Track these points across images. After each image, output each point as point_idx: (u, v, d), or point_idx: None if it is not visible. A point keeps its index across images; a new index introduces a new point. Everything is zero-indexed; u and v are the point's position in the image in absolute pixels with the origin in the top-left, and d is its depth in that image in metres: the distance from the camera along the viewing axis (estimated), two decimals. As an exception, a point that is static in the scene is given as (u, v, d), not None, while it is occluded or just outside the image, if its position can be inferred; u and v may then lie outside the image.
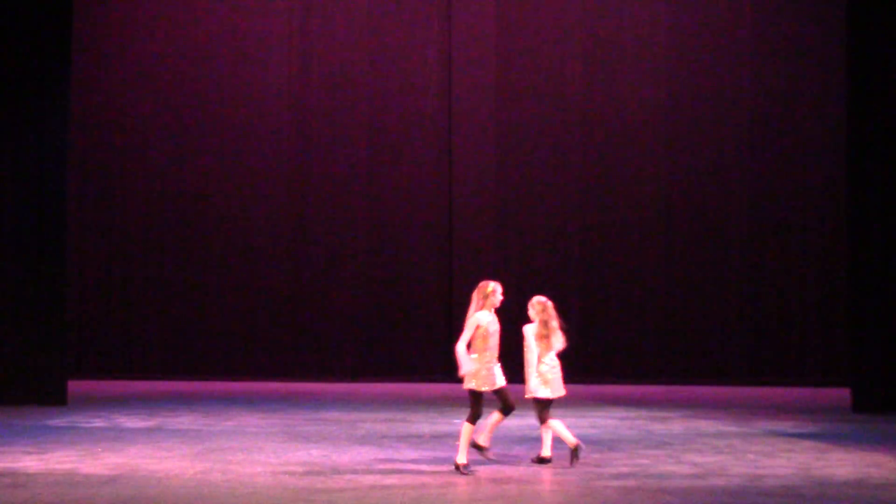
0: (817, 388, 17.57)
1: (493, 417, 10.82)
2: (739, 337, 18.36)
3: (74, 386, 16.19)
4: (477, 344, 10.51)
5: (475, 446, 10.80)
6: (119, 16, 19.45)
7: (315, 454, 11.62)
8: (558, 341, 10.91)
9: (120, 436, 12.91)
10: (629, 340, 18.47)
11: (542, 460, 10.95)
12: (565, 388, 11.12)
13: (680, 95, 18.66)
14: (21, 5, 15.63)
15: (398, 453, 11.70)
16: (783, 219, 18.37)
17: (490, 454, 10.93)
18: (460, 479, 10.28)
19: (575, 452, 10.77)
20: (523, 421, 12.39)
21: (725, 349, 18.38)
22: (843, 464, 11.07)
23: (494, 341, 10.56)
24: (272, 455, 11.55)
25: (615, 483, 10.14)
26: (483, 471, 10.58)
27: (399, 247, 19.04)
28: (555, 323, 10.90)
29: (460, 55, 18.94)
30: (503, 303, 10.71)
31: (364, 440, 12.58)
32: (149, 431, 13.28)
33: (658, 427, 13.66)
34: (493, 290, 10.60)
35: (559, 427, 10.87)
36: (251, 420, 14.24)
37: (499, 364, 10.62)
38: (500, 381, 10.63)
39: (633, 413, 14.96)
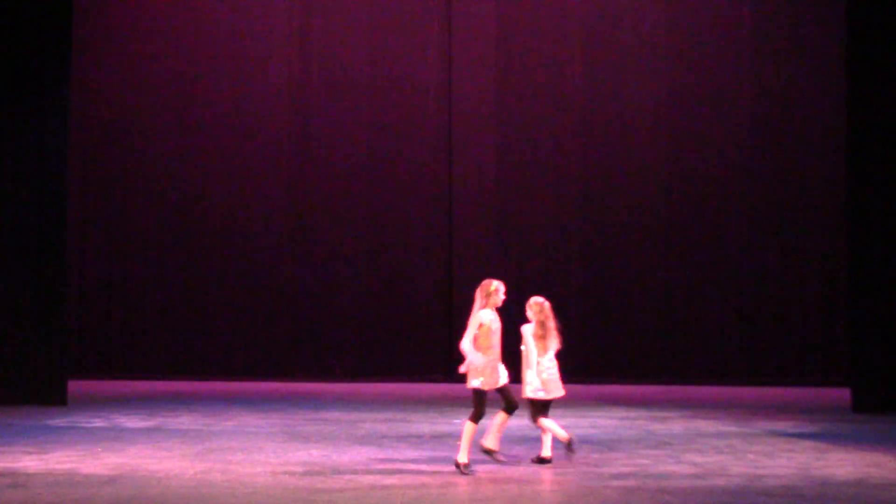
0: (817, 388, 17.56)
1: (497, 419, 10.80)
2: (739, 337, 18.37)
3: (74, 386, 16.19)
4: (480, 342, 10.52)
5: (485, 451, 10.78)
6: (119, 16, 19.47)
7: (315, 454, 11.62)
8: (554, 342, 10.95)
9: (120, 436, 12.91)
10: (629, 340, 18.47)
11: (542, 460, 10.96)
12: (564, 388, 11.14)
13: (680, 95, 18.66)
14: (21, 5, 15.63)
15: (398, 453, 11.70)
16: (783, 219, 18.37)
17: (500, 456, 10.90)
18: (460, 479, 10.28)
19: (569, 446, 10.78)
20: (523, 421, 12.34)
21: (725, 349, 18.38)
22: (843, 464, 11.07)
23: (497, 339, 10.56)
24: (272, 455, 11.55)
25: (615, 483, 10.14)
26: (483, 471, 10.57)
27: (399, 247, 19.05)
28: (552, 324, 10.94)
29: (460, 55, 18.94)
30: (504, 302, 10.71)
31: (364, 440, 12.58)
32: (149, 431, 13.28)
33: (658, 427, 13.65)
34: (496, 290, 10.61)
35: (550, 425, 10.91)
36: (251, 420, 14.24)
37: (501, 363, 10.65)
38: (504, 378, 10.64)
39: (633, 413, 14.96)
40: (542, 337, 10.90)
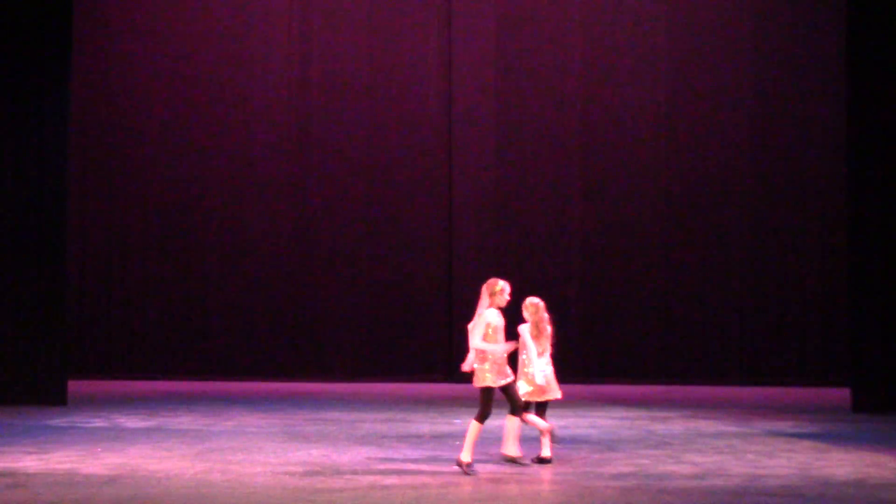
0: (817, 388, 17.56)
1: (509, 424, 10.77)
2: (739, 337, 18.36)
3: (74, 386, 16.18)
4: (487, 341, 10.52)
5: (509, 460, 10.78)
6: (119, 16, 19.46)
7: (315, 454, 11.62)
8: (548, 344, 11.00)
9: (120, 436, 12.91)
10: (629, 340, 18.46)
11: (542, 460, 10.96)
12: (560, 389, 11.18)
13: (680, 95, 18.65)
14: (21, 5, 15.62)
15: (398, 453, 11.70)
16: (783, 219, 18.36)
17: (525, 460, 10.89)
18: (460, 479, 10.27)
19: (552, 435, 10.90)
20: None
21: (725, 349, 18.38)
22: (843, 464, 11.07)
23: (501, 338, 10.57)
24: (272, 455, 11.55)
25: (615, 483, 10.14)
26: (484, 471, 10.57)
27: (399, 247, 19.04)
28: (547, 325, 11.00)
29: (460, 55, 18.94)
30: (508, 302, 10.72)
31: (364, 440, 12.58)
32: (149, 431, 13.28)
33: (658, 427, 13.65)
34: (501, 290, 10.57)
35: (532, 418, 10.95)
36: (251, 420, 14.24)
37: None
38: (511, 376, 10.64)
39: (633, 413, 14.96)
40: (535, 337, 10.98)
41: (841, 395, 15.73)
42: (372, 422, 14.08)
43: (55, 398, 15.37)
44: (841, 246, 17.05)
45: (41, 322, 15.51)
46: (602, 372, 18.27)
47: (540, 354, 10.97)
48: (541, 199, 18.78)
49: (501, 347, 10.46)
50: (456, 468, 10.54)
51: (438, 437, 12.72)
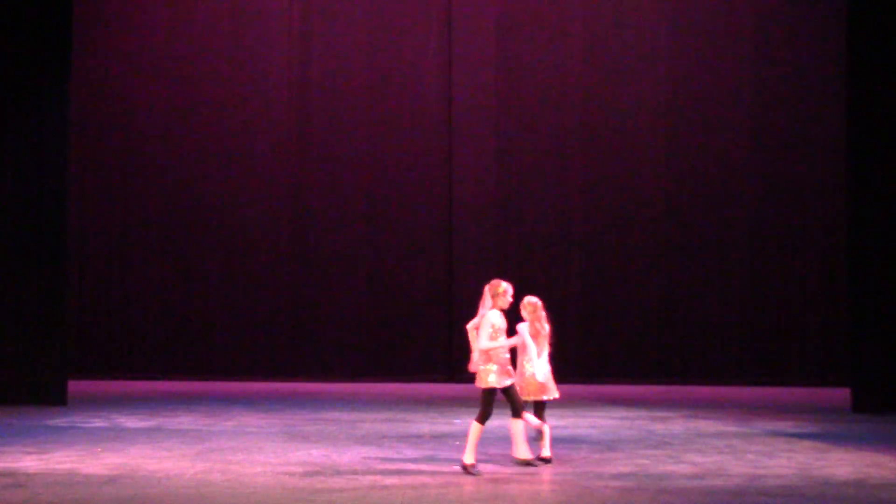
0: (817, 388, 17.56)
1: (515, 427, 10.75)
2: (739, 337, 18.36)
3: (74, 386, 16.18)
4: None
5: (521, 464, 10.78)
6: (119, 15, 19.46)
7: (315, 454, 11.62)
8: (545, 343, 11.01)
9: (120, 436, 12.91)
10: (629, 340, 18.47)
11: (542, 460, 10.96)
12: (559, 388, 11.21)
13: (680, 95, 18.65)
14: (21, 5, 15.62)
15: (398, 453, 11.70)
16: (783, 219, 18.36)
17: (537, 461, 10.88)
18: (460, 479, 10.27)
19: (540, 432, 10.96)
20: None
21: (725, 349, 18.38)
22: (843, 464, 11.07)
23: (503, 339, 10.57)
24: (272, 455, 11.55)
25: (615, 483, 10.14)
26: (484, 471, 10.57)
27: (399, 246, 19.04)
28: (545, 324, 11.01)
29: (460, 55, 18.93)
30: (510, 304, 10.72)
31: (364, 440, 12.57)
32: (149, 431, 13.28)
33: (658, 427, 13.65)
34: (504, 292, 10.55)
35: (528, 417, 11.00)
36: (251, 420, 14.24)
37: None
38: (514, 377, 10.64)
39: (633, 413, 14.96)
40: (533, 336, 11.02)
41: (841, 395, 15.73)
42: (372, 422, 14.08)
43: (55, 398, 15.37)
44: (841, 246, 17.05)
45: (41, 322, 15.51)
46: (602, 372, 18.27)
47: (538, 354, 11.00)
48: (541, 199, 18.78)
49: (507, 342, 10.47)
50: (457, 468, 10.55)
51: (438, 437, 12.71)
